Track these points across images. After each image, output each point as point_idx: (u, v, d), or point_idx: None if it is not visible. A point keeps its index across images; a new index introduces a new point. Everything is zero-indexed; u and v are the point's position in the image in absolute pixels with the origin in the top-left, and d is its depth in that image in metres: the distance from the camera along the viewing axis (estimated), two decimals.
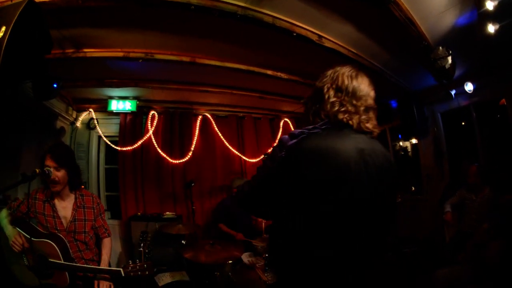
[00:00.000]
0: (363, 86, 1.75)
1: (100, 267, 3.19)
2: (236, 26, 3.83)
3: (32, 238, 2.92)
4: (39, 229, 3.11)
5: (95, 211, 3.41)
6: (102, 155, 6.85)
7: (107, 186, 6.84)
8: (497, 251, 4.04)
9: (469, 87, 5.48)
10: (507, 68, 5.18)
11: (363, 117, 1.68)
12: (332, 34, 4.40)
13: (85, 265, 3.14)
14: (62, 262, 2.93)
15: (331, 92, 1.69)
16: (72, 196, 3.32)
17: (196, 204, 6.30)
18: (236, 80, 5.85)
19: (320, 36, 4.30)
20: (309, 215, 1.50)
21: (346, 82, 1.71)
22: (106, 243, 3.51)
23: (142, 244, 4.44)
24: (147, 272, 2.99)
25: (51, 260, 2.92)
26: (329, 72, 1.80)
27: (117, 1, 3.27)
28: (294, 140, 1.55)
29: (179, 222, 5.18)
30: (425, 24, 4.20)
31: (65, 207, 3.25)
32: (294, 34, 4.02)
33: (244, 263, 4.57)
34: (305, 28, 4.12)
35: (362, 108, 1.69)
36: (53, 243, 2.93)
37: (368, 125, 1.68)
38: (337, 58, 4.76)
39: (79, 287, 3.11)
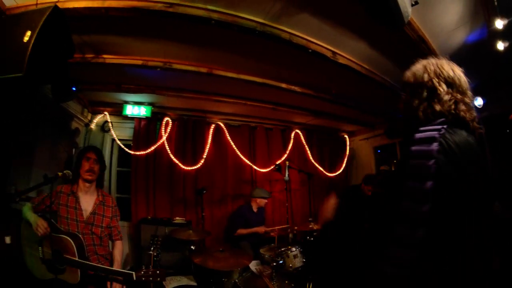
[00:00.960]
0: (463, 76, 1.63)
1: (112, 268, 3.32)
2: (253, 40, 3.94)
3: (52, 233, 3.08)
4: (58, 225, 3.27)
5: (113, 210, 3.67)
6: (114, 157, 6.94)
7: (118, 188, 6.91)
8: (499, 264, 4.08)
9: (478, 102, 5.51)
10: None
11: (473, 113, 1.53)
12: (346, 51, 4.51)
13: (98, 265, 3.26)
14: (77, 259, 3.06)
15: (444, 87, 1.55)
16: (95, 193, 3.60)
17: (206, 211, 6.34)
18: (251, 92, 5.95)
19: (334, 53, 4.41)
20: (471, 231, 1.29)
21: (451, 73, 1.59)
22: (118, 245, 3.71)
23: (152, 248, 4.51)
24: (158, 279, 3.07)
25: (66, 255, 3.06)
26: (423, 65, 1.69)
27: (140, 13, 3.37)
28: (436, 143, 1.31)
29: (189, 227, 5.25)
30: (436, 41, 4.30)
31: (87, 201, 3.51)
32: (310, 50, 4.14)
33: (252, 271, 4.65)
34: (320, 44, 4.23)
35: (472, 104, 1.56)
36: (70, 240, 3.09)
37: (478, 125, 1.54)
38: (350, 74, 4.88)
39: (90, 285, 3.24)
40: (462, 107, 1.50)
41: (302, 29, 3.94)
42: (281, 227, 6.01)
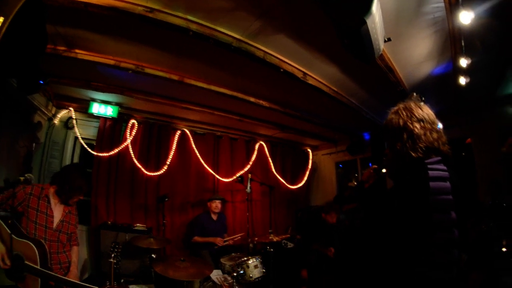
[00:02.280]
0: (430, 111, 2.00)
1: (76, 282, 3.20)
2: (228, 54, 3.99)
3: (14, 236, 2.96)
4: (22, 229, 3.18)
5: (76, 218, 3.68)
6: (76, 157, 6.70)
7: None
8: (478, 281, 4.22)
9: (439, 126, 5.83)
10: (474, 111, 6.07)
11: (442, 136, 1.94)
12: (317, 73, 4.69)
13: (60, 276, 3.13)
14: (39, 268, 2.96)
15: (416, 125, 1.89)
16: None
17: (167, 218, 6.27)
18: (219, 102, 6.01)
19: (305, 74, 4.57)
20: None
21: (420, 112, 1.94)
22: (75, 249, 3.70)
23: (112, 255, 4.38)
24: None
25: (27, 262, 2.96)
26: (395, 113, 2.00)
27: (120, 13, 3.32)
28: (449, 182, 1.74)
29: (150, 235, 5.19)
30: (404, 71, 4.61)
31: (58, 209, 3.47)
32: (281, 70, 4.28)
33: (213, 280, 4.67)
34: (292, 65, 4.38)
35: (441, 131, 1.95)
36: (34, 247, 3.00)
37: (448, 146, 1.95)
38: (318, 94, 5.05)
39: None
40: (434, 134, 1.88)
41: (277, 49, 4.07)
42: (238, 235, 6.10)
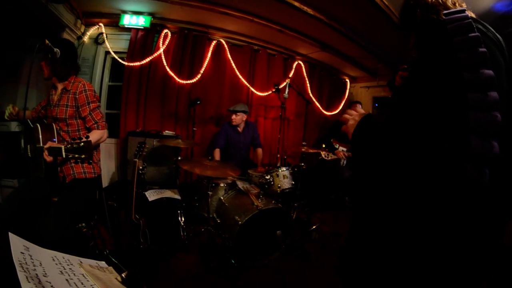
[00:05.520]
0: None
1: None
2: None
3: None
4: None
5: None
6: (106, 71, 6.66)
7: (108, 103, 6.71)
8: None
9: None
10: None
11: None
12: None
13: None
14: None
15: None
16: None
17: (197, 127, 6.16)
18: (260, 7, 5.61)
19: None
20: None
21: None
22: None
23: (138, 155, 4.17)
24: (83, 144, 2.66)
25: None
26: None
27: None
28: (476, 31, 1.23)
29: (178, 137, 5.11)
30: None
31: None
32: None
33: (238, 188, 4.57)
34: None
35: None
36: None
37: None
38: (367, 5, 4.68)
39: None
40: None
41: None
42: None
